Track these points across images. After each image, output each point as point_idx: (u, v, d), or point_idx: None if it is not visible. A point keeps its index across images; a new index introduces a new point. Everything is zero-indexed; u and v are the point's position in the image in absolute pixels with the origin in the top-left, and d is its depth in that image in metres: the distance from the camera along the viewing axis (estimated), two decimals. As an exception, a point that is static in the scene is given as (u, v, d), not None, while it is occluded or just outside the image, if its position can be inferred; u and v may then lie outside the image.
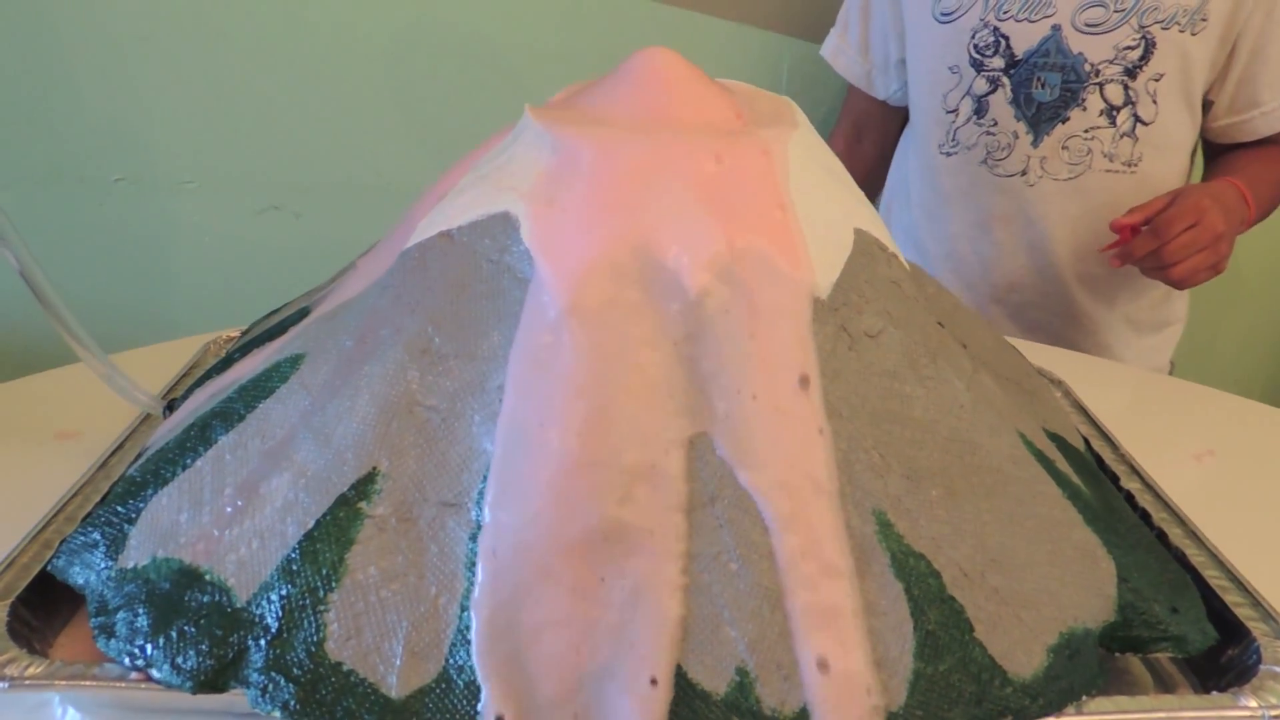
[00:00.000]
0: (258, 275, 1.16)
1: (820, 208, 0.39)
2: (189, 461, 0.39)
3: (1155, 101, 0.88)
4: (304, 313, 0.48)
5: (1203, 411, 0.68)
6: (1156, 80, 0.87)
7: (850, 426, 0.36)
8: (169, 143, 1.11)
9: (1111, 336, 0.97)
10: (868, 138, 1.07)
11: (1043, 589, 0.36)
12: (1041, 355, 0.66)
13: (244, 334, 0.57)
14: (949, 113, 0.94)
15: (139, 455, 0.45)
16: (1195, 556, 0.42)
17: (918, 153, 1.00)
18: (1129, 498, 0.47)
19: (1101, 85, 0.88)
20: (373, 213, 1.12)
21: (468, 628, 0.33)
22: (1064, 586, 0.37)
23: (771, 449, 0.35)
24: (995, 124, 0.92)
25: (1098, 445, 0.52)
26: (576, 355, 0.35)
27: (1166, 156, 0.91)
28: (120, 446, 0.49)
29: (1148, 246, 0.79)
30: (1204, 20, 0.85)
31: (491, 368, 0.36)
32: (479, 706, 0.32)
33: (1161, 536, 0.44)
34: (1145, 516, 0.46)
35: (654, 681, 0.32)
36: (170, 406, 0.50)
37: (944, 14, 0.92)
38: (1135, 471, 0.49)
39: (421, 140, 1.16)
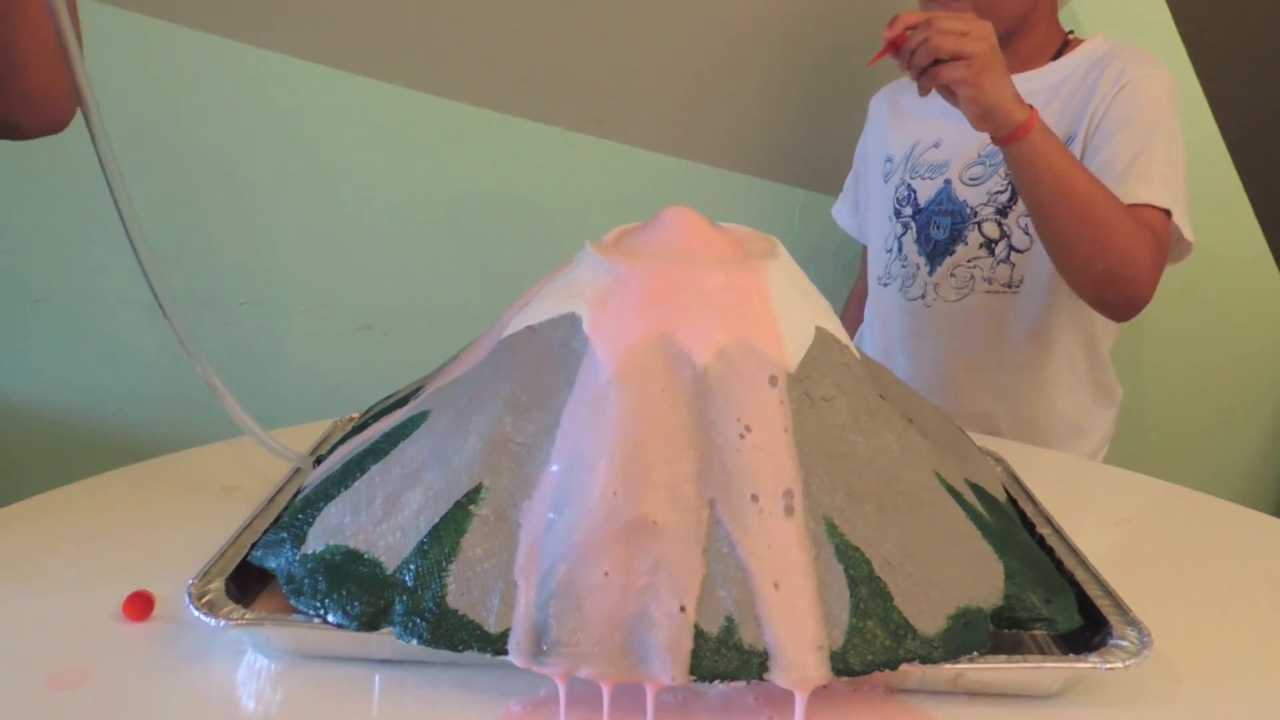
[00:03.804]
0: (352, 381, 1.34)
1: (791, 312, 0.54)
2: (349, 483, 0.55)
3: (1028, 233, 1.01)
4: (418, 389, 0.65)
5: (1130, 489, 0.80)
6: (1027, 216, 0.97)
7: (809, 460, 0.51)
8: (285, 273, 1.31)
9: (1020, 436, 1.07)
10: None
11: (946, 576, 0.50)
12: (993, 444, 0.81)
13: (365, 414, 0.74)
14: (886, 252, 1.12)
15: (297, 493, 0.62)
16: (1077, 570, 0.56)
17: (870, 287, 1.18)
18: (1041, 540, 0.62)
19: (980, 224, 1.02)
20: (445, 332, 1.31)
21: (543, 586, 0.48)
22: (962, 576, 0.51)
23: (754, 472, 0.50)
24: (906, 259, 1.08)
25: (1023, 503, 0.66)
26: (619, 407, 0.50)
27: (1045, 277, 1.02)
28: (278, 493, 0.65)
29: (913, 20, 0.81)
30: None
31: (560, 416, 0.52)
32: (548, 638, 0.47)
33: (1051, 554, 0.58)
34: (1050, 549, 0.60)
35: (682, 609, 0.46)
36: (317, 461, 0.67)
37: (885, 176, 1.12)
38: (1048, 521, 0.64)
39: (487, 274, 1.35)
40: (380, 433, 0.58)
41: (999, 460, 0.74)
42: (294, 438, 0.80)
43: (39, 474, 1.36)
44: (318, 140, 1.28)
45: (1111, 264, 0.86)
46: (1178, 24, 1.26)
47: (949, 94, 0.82)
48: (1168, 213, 0.91)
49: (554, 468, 0.51)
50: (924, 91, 0.84)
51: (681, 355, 0.51)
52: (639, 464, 0.49)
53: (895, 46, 0.82)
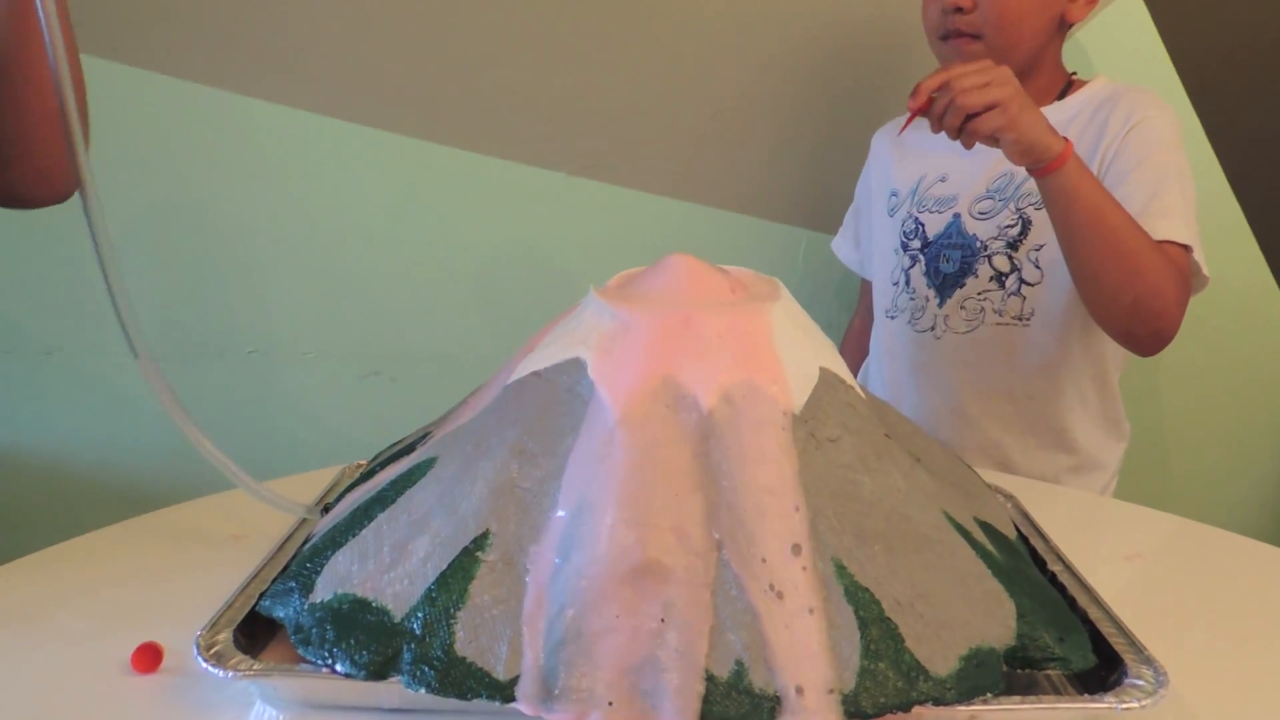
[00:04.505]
0: (360, 426, 1.34)
1: (795, 353, 0.55)
2: (357, 531, 0.55)
3: (1038, 267, 1.01)
4: (425, 435, 0.66)
5: (1141, 524, 0.80)
6: (1038, 249, 1.00)
7: (816, 501, 0.51)
8: (292, 321, 1.31)
9: (1032, 469, 1.07)
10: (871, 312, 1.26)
11: (957, 617, 0.50)
12: (1003, 480, 0.80)
13: (372, 460, 0.74)
14: (893, 285, 1.12)
15: (306, 540, 0.62)
16: (1090, 608, 0.56)
17: (876, 319, 1.18)
18: (1053, 577, 0.61)
19: (990, 257, 1.03)
20: (452, 376, 1.31)
21: (552, 632, 0.48)
22: (974, 616, 0.51)
23: (761, 515, 0.50)
24: (915, 291, 1.09)
25: (1034, 540, 0.66)
26: (625, 452, 0.51)
27: (1057, 310, 1.02)
28: (286, 541, 0.65)
29: (937, 83, 0.82)
30: None
31: (566, 461, 0.52)
32: (557, 684, 0.47)
33: (1064, 592, 0.58)
34: (1062, 587, 0.60)
35: (692, 653, 0.46)
36: (325, 509, 0.67)
37: (890, 210, 1.12)
38: (1059, 558, 0.63)
39: (492, 318, 1.35)
40: (387, 480, 0.58)
41: (1008, 497, 0.73)
42: (302, 484, 0.80)
43: (50, 524, 1.36)
44: (322, 189, 1.30)
45: (1140, 295, 0.87)
46: (1174, 60, 1.27)
47: (991, 141, 0.84)
48: (1187, 248, 0.92)
49: (561, 513, 0.51)
50: (969, 147, 0.85)
51: (686, 399, 0.51)
52: (646, 508, 0.49)
53: (923, 113, 0.84)
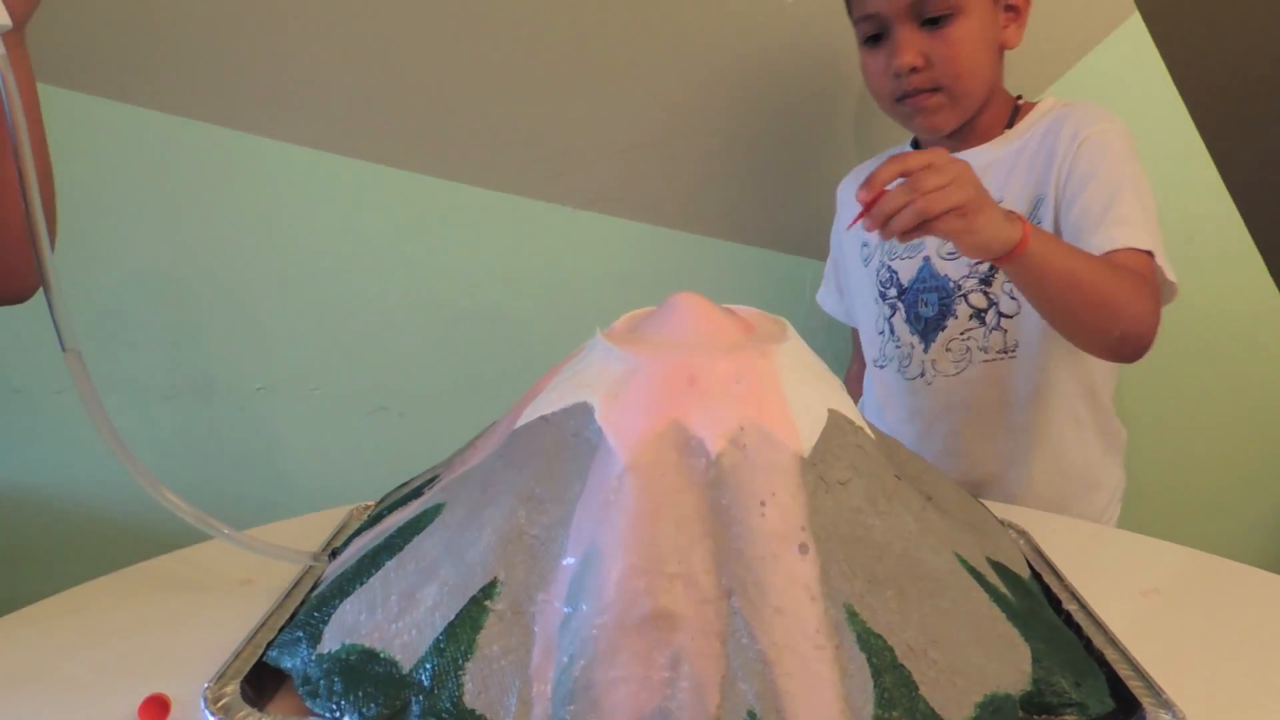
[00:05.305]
0: (369, 462, 1.34)
1: (803, 395, 0.54)
2: (364, 580, 0.55)
3: (1014, 298, 1.01)
4: (434, 479, 0.65)
5: (1154, 557, 0.79)
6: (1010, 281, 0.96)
7: (827, 545, 0.51)
8: (299, 357, 1.32)
9: (1033, 499, 1.06)
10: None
11: (971, 663, 0.50)
12: (1013, 513, 0.80)
13: (380, 502, 0.74)
14: (879, 334, 1.12)
15: (315, 584, 0.61)
16: (1106, 649, 0.55)
17: (868, 368, 1.18)
18: (1068, 617, 0.61)
19: (966, 295, 1.03)
20: (460, 411, 1.32)
21: (561, 684, 0.47)
22: (988, 662, 0.50)
23: (771, 561, 0.50)
24: (900, 339, 1.09)
25: (1048, 578, 0.65)
26: (633, 498, 0.50)
27: (1039, 338, 1.02)
28: (294, 588, 0.65)
29: (892, 173, 0.75)
30: (1039, 222, 0.97)
31: (574, 508, 0.52)
32: (569, 738, 0.46)
33: (1079, 632, 0.57)
34: (1077, 627, 0.59)
35: (704, 703, 0.46)
36: (333, 554, 0.67)
37: (864, 260, 1.12)
38: (1074, 596, 0.62)
39: (499, 352, 1.36)
40: (395, 526, 0.58)
41: (1021, 533, 0.73)
42: (310, 526, 0.80)
43: (60, 565, 1.36)
44: (328, 225, 1.30)
45: (1125, 329, 0.87)
46: (1178, 86, 1.27)
47: (941, 236, 0.79)
48: (1149, 254, 0.91)
49: (569, 560, 0.50)
50: (908, 240, 0.79)
51: (694, 444, 0.51)
52: (655, 555, 0.49)
53: (873, 206, 0.76)
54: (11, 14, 0.59)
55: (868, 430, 0.58)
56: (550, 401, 0.57)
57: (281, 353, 1.32)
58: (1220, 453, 1.39)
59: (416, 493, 0.65)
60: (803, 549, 0.50)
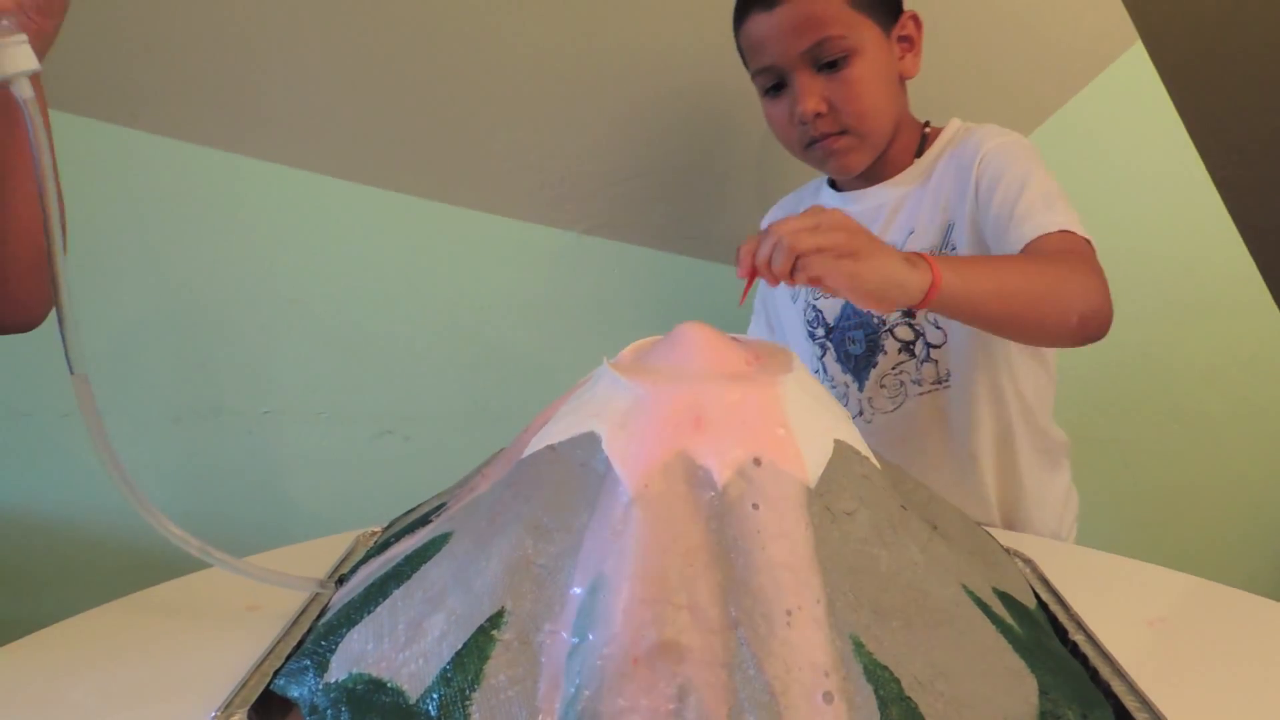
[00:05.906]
0: (375, 486, 1.34)
1: (809, 425, 0.55)
2: (372, 609, 0.55)
3: (939, 327, 1.00)
4: (442, 506, 0.65)
5: (1161, 585, 0.78)
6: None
7: (832, 576, 0.51)
8: (306, 381, 1.32)
9: (993, 524, 1.04)
10: None
11: (978, 694, 0.49)
12: (1020, 542, 0.80)
13: (387, 528, 0.74)
14: (815, 374, 1.11)
15: (322, 611, 0.62)
16: (1113, 680, 0.55)
17: None
18: (1074, 648, 0.60)
19: (891, 330, 1.02)
20: (466, 435, 1.32)
21: (567, 714, 0.48)
22: (995, 694, 0.50)
23: (777, 592, 0.50)
24: (833, 379, 1.08)
25: (1054, 607, 0.65)
26: (640, 528, 0.50)
27: (969, 364, 1.01)
28: (301, 614, 0.65)
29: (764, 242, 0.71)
30: (953, 249, 0.97)
31: (582, 538, 0.52)
32: (576, 769, 0.46)
33: (1085, 663, 0.57)
34: (1084, 658, 0.59)
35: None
36: (341, 580, 0.67)
37: (792, 297, 1.11)
38: (1080, 626, 0.62)
39: (505, 376, 1.36)
40: (402, 555, 0.58)
41: (1027, 561, 0.73)
42: (317, 551, 0.80)
43: (65, 589, 1.36)
44: (335, 250, 1.31)
45: (1082, 310, 0.83)
46: (1180, 112, 1.28)
47: (830, 289, 0.73)
48: (1069, 233, 0.88)
49: (576, 590, 0.51)
50: (795, 285, 0.76)
51: (701, 474, 0.51)
52: (661, 586, 0.49)
53: (755, 274, 0.72)
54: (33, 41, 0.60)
55: (874, 460, 0.58)
56: (557, 431, 0.57)
57: (288, 377, 1.33)
58: (1220, 472, 1.39)
59: (424, 520, 0.65)
60: (811, 578, 0.50)
